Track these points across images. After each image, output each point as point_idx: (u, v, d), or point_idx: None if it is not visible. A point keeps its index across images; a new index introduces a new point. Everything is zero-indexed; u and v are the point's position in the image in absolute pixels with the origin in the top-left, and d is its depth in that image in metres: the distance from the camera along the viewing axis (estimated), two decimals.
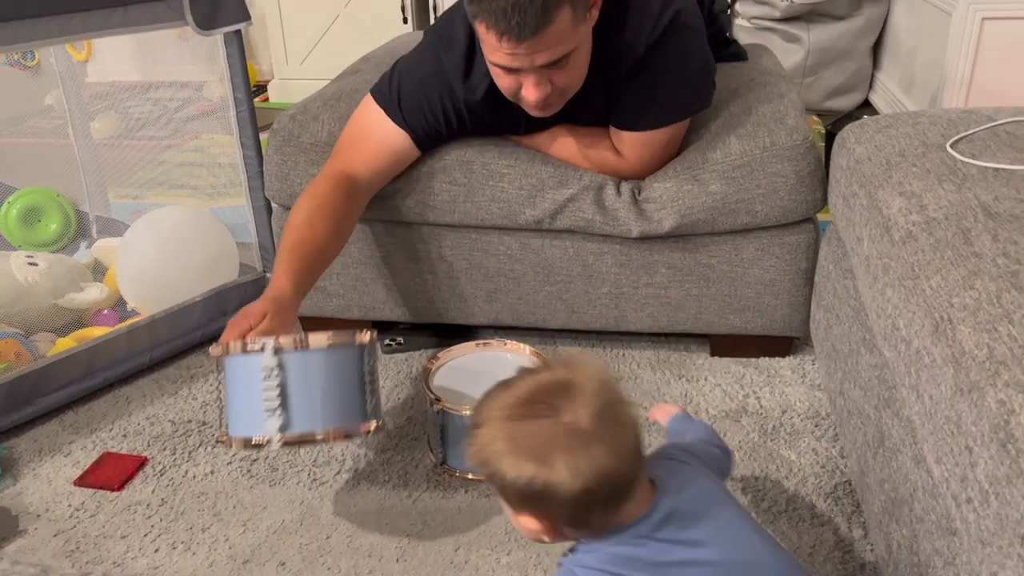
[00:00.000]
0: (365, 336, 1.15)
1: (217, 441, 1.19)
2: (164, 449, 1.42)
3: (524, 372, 0.84)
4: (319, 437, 1.11)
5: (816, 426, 1.41)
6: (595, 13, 1.27)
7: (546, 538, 0.83)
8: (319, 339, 1.11)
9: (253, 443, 1.11)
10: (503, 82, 1.27)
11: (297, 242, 1.33)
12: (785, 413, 1.45)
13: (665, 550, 0.80)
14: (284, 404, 1.09)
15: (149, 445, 1.43)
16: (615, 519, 0.80)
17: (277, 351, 1.09)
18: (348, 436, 1.14)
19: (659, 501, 0.82)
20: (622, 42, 1.32)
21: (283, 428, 1.09)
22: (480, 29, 1.20)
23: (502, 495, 0.81)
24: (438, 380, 1.36)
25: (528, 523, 0.82)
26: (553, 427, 0.77)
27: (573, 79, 1.28)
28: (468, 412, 1.21)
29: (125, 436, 1.45)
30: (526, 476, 0.76)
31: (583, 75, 1.31)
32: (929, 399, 0.85)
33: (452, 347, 1.42)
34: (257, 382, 1.09)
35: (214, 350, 1.15)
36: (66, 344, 1.58)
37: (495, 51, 1.20)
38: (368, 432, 1.15)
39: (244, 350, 1.11)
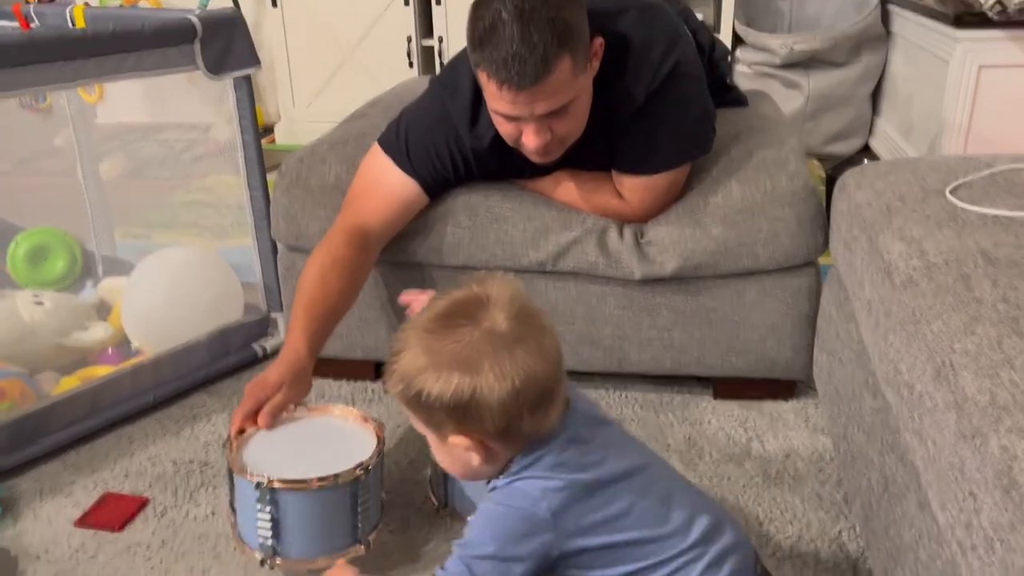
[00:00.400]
0: (359, 473, 1.14)
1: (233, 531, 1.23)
2: (166, 489, 1.41)
3: (439, 296, 0.87)
4: (309, 566, 1.16)
5: (820, 470, 1.41)
6: (596, 64, 1.29)
7: (475, 461, 0.84)
8: (311, 481, 1.11)
9: (252, 552, 1.17)
10: (504, 129, 1.29)
11: (312, 301, 1.35)
12: (789, 457, 1.44)
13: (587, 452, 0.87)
14: (276, 534, 1.14)
15: (151, 485, 1.42)
16: (544, 425, 0.83)
17: (272, 490, 1.11)
18: (339, 557, 1.16)
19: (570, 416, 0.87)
20: (623, 90, 1.34)
21: (275, 553, 1.15)
22: (482, 77, 1.22)
23: (429, 421, 0.83)
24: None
25: (457, 444, 0.83)
26: (473, 334, 0.79)
27: (573, 127, 1.30)
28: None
29: (127, 476, 1.45)
30: (452, 386, 0.78)
31: (583, 123, 1.32)
32: (932, 444, 0.85)
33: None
34: (253, 506, 1.13)
35: (227, 451, 1.19)
36: (70, 383, 1.58)
37: (496, 99, 1.23)
38: (359, 553, 1.17)
39: (247, 472, 1.13)
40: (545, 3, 1.17)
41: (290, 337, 1.33)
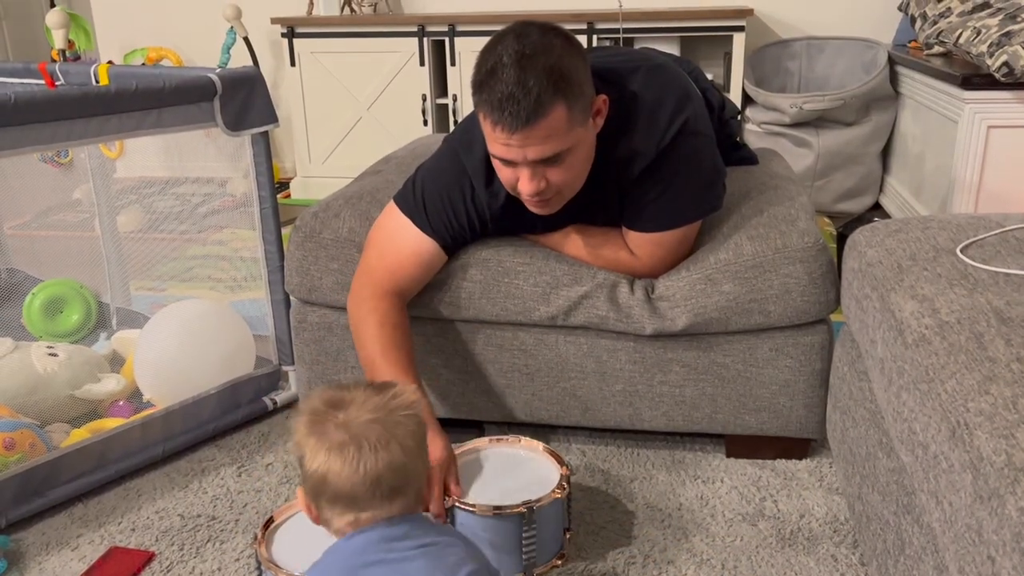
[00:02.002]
0: (566, 470, 1.32)
1: None
2: (172, 544, 1.40)
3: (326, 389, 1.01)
4: (555, 564, 1.31)
5: (835, 531, 1.38)
6: (600, 122, 1.31)
7: (310, 517, 0.99)
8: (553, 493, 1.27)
9: None
10: (503, 174, 1.31)
11: (401, 366, 1.39)
12: (803, 517, 1.42)
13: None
14: (536, 548, 1.27)
15: (157, 540, 1.41)
16: (333, 525, 0.96)
17: (534, 512, 1.24)
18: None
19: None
20: (633, 147, 1.36)
21: (533, 566, 1.27)
22: (480, 118, 1.25)
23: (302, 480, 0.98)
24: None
25: (303, 501, 0.99)
26: (336, 428, 0.93)
27: (569, 179, 1.30)
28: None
29: (134, 530, 1.44)
30: (313, 466, 0.93)
31: (581, 177, 1.33)
32: (949, 506, 0.83)
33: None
34: (518, 535, 1.25)
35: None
36: (80, 435, 1.58)
37: (492, 141, 1.25)
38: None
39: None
40: (546, 52, 1.20)
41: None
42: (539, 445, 1.39)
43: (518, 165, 1.26)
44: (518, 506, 1.23)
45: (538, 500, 1.24)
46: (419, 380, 1.40)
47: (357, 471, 0.91)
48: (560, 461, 1.34)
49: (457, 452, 1.36)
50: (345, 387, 0.99)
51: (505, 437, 1.42)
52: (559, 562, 1.30)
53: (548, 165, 1.26)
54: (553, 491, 1.26)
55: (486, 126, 1.24)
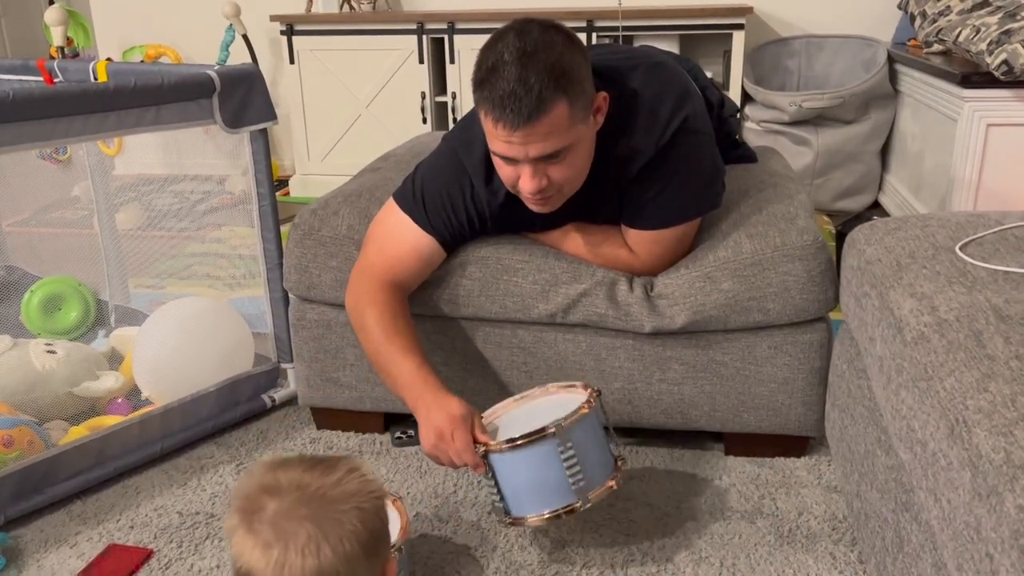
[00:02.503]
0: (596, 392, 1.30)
1: (508, 525, 1.31)
2: (171, 541, 1.40)
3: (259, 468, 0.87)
4: (610, 485, 1.26)
5: (833, 529, 1.38)
6: (600, 119, 1.31)
7: None
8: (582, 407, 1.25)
9: (558, 513, 1.23)
10: (504, 172, 1.31)
11: (401, 341, 1.38)
12: (802, 515, 1.42)
13: None
14: (583, 471, 1.23)
15: (156, 537, 1.41)
16: None
17: (569, 428, 1.21)
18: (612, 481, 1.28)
19: None
20: (632, 145, 1.36)
21: (588, 489, 1.23)
22: (481, 115, 1.25)
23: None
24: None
25: None
26: (263, 522, 0.80)
27: (571, 176, 1.30)
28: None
29: (132, 527, 1.44)
30: (238, 562, 0.80)
31: (582, 175, 1.33)
32: (947, 503, 0.83)
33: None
34: (557, 457, 1.21)
35: (488, 453, 1.25)
36: (78, 433, 1.58)
37: (493, 138, 1.25)
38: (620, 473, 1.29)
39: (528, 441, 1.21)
40: (547, 49, 1.20)
41: (399, 373, 1.36)
42: (557, 387, 1.38)
43: (519, 163, 1.26)
44: (540, 431, 1.20)
45: (565, 418, 1.21)
46: (427, 361, 1.38)
47: (281, 575, 0.78)
48: (585, 387, 1.32)
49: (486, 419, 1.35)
50: (285, 465, 0.84)
51: (525, 393, 1.39)
52: (613, 484, 1.25)
53: (549, 162, 1.26)
54: (580, 408, 1.23)
55: (487, 123, 1.24)
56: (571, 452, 1.21)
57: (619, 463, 1.29)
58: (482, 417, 1.32)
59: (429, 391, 1.32)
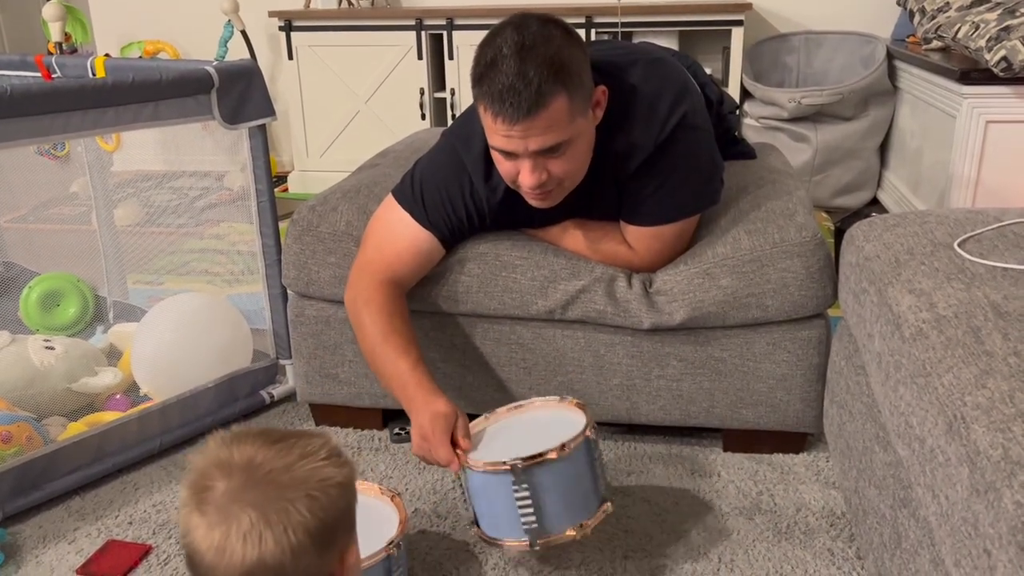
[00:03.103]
0: (590, 431, 1.22)
1: (478, 539, 1.29)
2: (169, 537, 1.40)
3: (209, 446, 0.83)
4: (570, 535, 1.20)
5: (831, 525, 1.39)
6: (599, 113, 1.31)
7: None
8: (549, 452, 1.18)
9: (513, 546, 1.21)
10: (503, 167, 1.30)
11: (396, 342, 1.38)
12: (800, 511, 1.42)
13: None
14: (538, 514, 1.18)
15: (154, 533, 1.41)
16: None
17: (524, 471, 1.17)
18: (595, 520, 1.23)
19: None
20: (631, 140, 1.36)
21: (542, 532, 1.19)
22: (481, 110, 1.25)
23: None
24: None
25: None
26: (210, 502, 0.76)
27: (570, 170, 1.30)
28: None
29: (131, 523, 1.44)
30: (184, 539, 0.77)
31: (582, 169, 1.33)
32: (945, 499, 0.83)
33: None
34: (510, 494, 1.18)
35: (460, 472, 1.24)
36: (77, 428, 1.58)
37: (493, 133, 1.25)
38: (609, 511, 1.25)
39: (490, 469, 1.18)
40: (546, 43, 1.20)
41: (393, 374, 1.36)
42: (558, 401, 1.34)
43: (519, 157, 1.26)
44: (500, 463, 1.17)
45: (528, 458, 1.16)
46: (422, 362, 1.38)
47: (222, 560, 0.74)
48: (587, 427, 1.23)
49: (476, 425, 1.34)
50: (242, 439, 0.79)
51: (522, 403, 1.37)
52: (573, 533, 1.18)
53: (549, 157, 1.25)
54: (548, 453, 1.16)
55: (486, 118, 1.24)
56: (526, 493, 1.17)
57: (603, 507, 1.23)
58: (475, 420, 1.32)
59: (420, 392, 1.32)
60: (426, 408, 1.28)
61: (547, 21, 1.24)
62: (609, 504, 1.24)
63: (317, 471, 0.78)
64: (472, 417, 1.67)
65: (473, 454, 1.26)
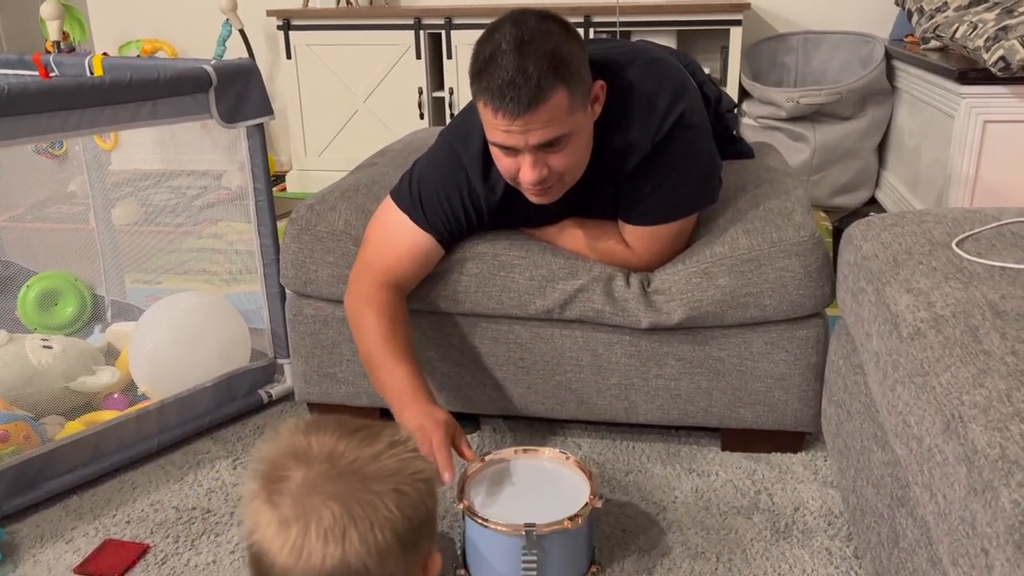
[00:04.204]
0: (598, 503, 1.24)
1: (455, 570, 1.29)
2: (167, 537, 1.40)
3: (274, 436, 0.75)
4: None
5: (829, 524, 1.39)
6: (597, 108, 1.31)
7: None
8: (565, 521, 1.20)
9: None
10: (503, 164, 1.30)
11: (394, 350, 1.38)
12: (798, 511, 1.42)
13: None
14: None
15: (152, 532, 1.41)
16: None
17: (539, 536, 1.18)
18: None
19: None
20: (629, 139, 1.36)
21: None
22: (480, 106, 1.25)
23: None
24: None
25: None
26: (285, 494, 0.68)
27: (571, 164, 1.30)
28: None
29: (128, 522, 1.44)
30: (251, 537, 0.69)
31: (582, 164, 1.33)
32: (943, 498, 0.83)
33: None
34: (517, 555, 1.19)
35: (463, 509, 1.23)
36: (75, 428, 1.58)
37: (493, 128, 1.24)
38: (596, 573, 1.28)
39: (506, 524, 1.19)
40: (545, 37, 1.20)
41: (389, 381, 1.36)
42: (568, 457, 1.34)
43: (520, 153, 1.26)
44: (515, 525, 1.18)
45: (545, 525, 1.18)
46: (421, 370, 1.39)
47: (298, 562, 0.65)
48: (592, 495, 1.25)
49: (484, 462, 1.33)
50: (319, 427, 0.71)
51: (533, 448, 1.37)
52: None
53: (549, 152, 1.25)
54: (563, 522, 1.18)
55: (486, 114, 1.23)
56: (533, 558, 1.18)
57: (592, 568, 1.27)
58: (480, 457, 1.32)
59: (419, 402, 1.32)
60: (428, 415, 1.29)
61: (545, 17, 1.24)
62: (596, 567, 1.28)
63: (407, 463, 0.71)
64: (470, 418, 1.68)
65: (475, 498, 1.26)
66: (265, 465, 0.70)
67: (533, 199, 1.35)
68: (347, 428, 0.72)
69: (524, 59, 1.18)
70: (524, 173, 1.27)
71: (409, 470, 0.70)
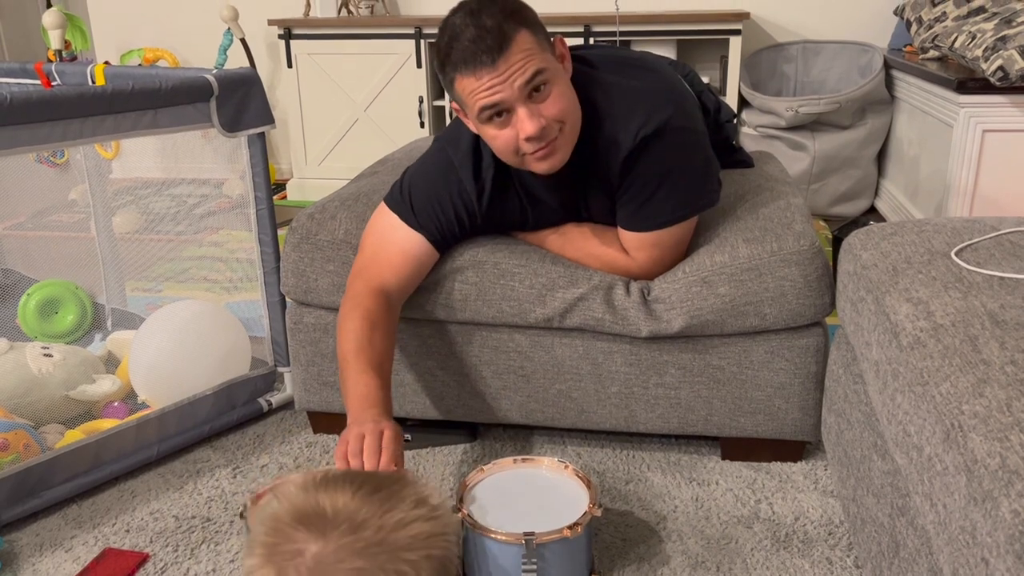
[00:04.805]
0: (598, 511, 1.24)
1: None
2: (167, 545, 1.40)
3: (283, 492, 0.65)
4: None
5: (830, 534, 1.38)
6: (568, 66, 1.33)
7: None
8: (563, 530, 1.19)
9: None
10: (501, 137, 1.29)
11: (366, 358, 1.35)
12: (798, 520, 1.42)
13: None
14: None
15: (152, 541, 1.41)
16: None
17: (539, 545, 1.18)
18: None
19: None
20: (614, 132, 1.35)
21: None
22: (459, 86, 1.26)
23: None
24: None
25: None
26: (299, 569, 0.60)
27: (564, 109, 1.29)
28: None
29: (128, 531, 1.43)
30: None
31: (575, 112, 1.32)
32: (943, 508, 0.83)
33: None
34: (517, 565, 1.19)
35: (463, 517, 1.22)
36: (74, 436, 1.58)
37: (477, 96, 1.25)
38: None
39: (503, 533, 1.19)
40: (493, 2, 1.25)
41: (353, 388, 1.33)
42: (567, 466, 1.34)
43: (512, 114, 1.26)
44: (515, 534, 1.18)
45: (546, 533, 1.18)
46: (387, 383, 1.35)
47: None
48: (592, 502, 1.25)
49: (482, 472, 1.34)
50: (331, 484, 0.63)
51: (532, 458, 1.37)
52: None
53: (538, 100, 1.26)
54: (563, 530, 1.18)
55: (466, 85, 1.25)
56: (533, 566, 1.19)
57: None
58: (479, 467, 1.33)
59: (374, 411, 1.28)
60: (375, 420, 1.25)
61: None
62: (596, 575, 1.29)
63: (436, 524, 0.64)
64: (468, 427, 1.68)
65: (474, 507, 1.26)
66: (272, 535, 0.61)
67: (541, 165, 1.32)
68: (363, 484, 0.64)
69: (480, 19, 1.23)
70: (524, 127, 1.26)
71: (439, 532, 0.64)
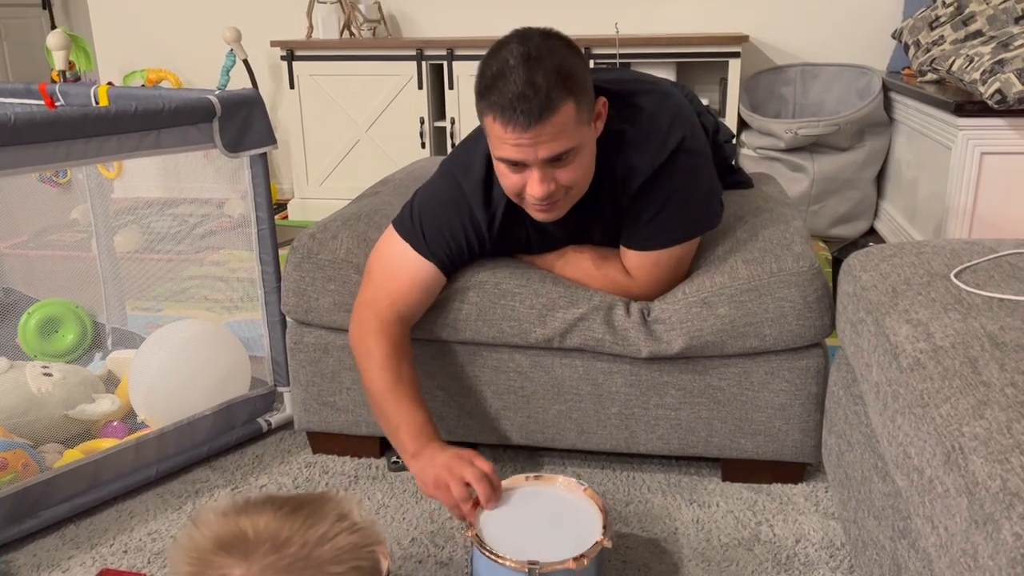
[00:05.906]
0: (608, 543, 1.22)
1: None
2: (164, 566, 1.39)
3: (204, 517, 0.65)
4: None
5: (831, 556, 1.38)
6: (600, 125, 1.33)
7: None
8: (568, 561, 1.17)
9: None
10: (509, 180, 1.31)
11: (403, 389, 1.40)
12: (799, 542, 1.42)
13: None
14: None
15: (149, 562, 1.40)
16: None
17: (540, 574, 1.16)
18: None
19: None
20: (631, 163, 1.37)
21: None
22: (488, 122, 1.26)
23: None
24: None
25: None
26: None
27: (577, 179, 1.31)
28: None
29: (126, 552, 1.43)
30: None
31: (587, 179, 1.34)
32: (944, 530, 0.83)
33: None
34: None
35: (472, 540, 1.21)
36: (73, 456, 1.57)
37: (501, 144, 1.25)
38: None
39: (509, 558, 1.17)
40: (551, 53, 1.22)
41: (404, 422, 1.37)
42: (585, 488, 1.32)
43: (528, 167, 1.27)
44: (520, 562, 1.16)
45: (548, 564, 1.15)
46: (429, 413, 1.40)
47: None
48: (604, 529, 1.22)
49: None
50: (251, 509, 0.62)
51: (548, 476, 1.35)
52: None
53: (557, 166, 1.27)
54: (567, 562, 1.15)
55: (495, 129, 1.24)
56: None
57: None
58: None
59: (434, 443, 1.34)
60: (457, 454, 1.30)
61: (549, 34, 1.26)
62: None
63: (359, 536, 0.65)
64: (469, 447, 1.67)
65: (486, 527, 1.24)
66: (195, 564, 0.59)
67: (538, 215, 1.35)
68: (283, 505, 0.64)
69: (533, 73, 1.20)
70: (532, 188, 1.28)
71: (362, 543, 0.64)
